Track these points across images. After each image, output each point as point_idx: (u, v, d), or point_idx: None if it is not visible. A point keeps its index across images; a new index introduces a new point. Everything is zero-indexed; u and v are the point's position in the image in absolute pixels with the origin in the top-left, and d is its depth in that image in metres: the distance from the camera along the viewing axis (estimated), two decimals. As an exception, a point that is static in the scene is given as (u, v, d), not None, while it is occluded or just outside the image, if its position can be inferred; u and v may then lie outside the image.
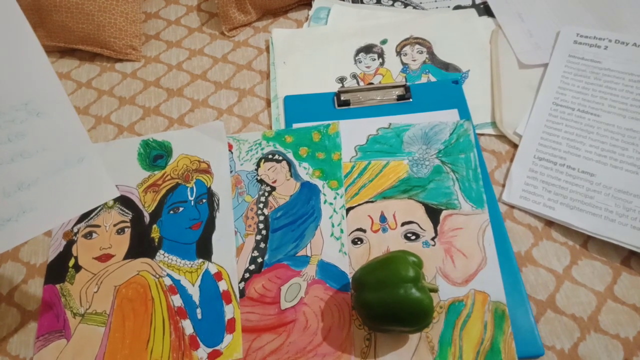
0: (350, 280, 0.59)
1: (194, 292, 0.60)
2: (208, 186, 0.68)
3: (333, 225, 0.64)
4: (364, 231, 0.63)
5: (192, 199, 0.67)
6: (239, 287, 0.60)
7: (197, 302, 0.59)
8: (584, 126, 0.70)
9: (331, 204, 0.66)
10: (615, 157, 0.66)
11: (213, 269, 0.62)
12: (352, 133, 0.72)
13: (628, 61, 0.74)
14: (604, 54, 0.76)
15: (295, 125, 0.74)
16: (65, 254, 0.64)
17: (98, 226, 0.66)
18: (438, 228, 0.63)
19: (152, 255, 0.63)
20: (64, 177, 0.52)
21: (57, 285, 0.62)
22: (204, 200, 0.67)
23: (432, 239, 0.62)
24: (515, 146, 0.71)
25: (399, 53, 0.83)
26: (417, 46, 0.83)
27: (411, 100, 0.75)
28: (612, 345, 0.55)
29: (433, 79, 0.79)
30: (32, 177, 0.51)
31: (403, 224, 0.63)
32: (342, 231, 0.63)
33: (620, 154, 0.66)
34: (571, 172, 0.66)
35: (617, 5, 0.83)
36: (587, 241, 0.62)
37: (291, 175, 0.69)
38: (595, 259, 0.61)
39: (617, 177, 0.64)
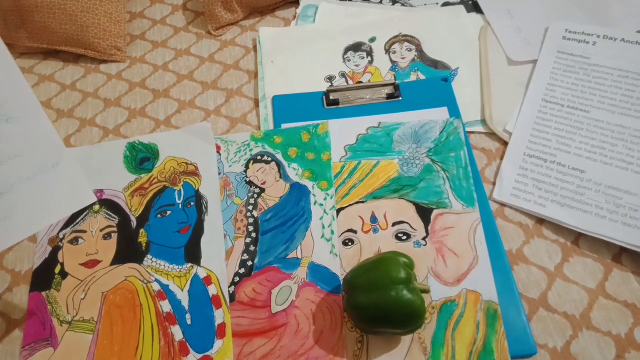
0: (342, 283, 0.59)
1: (183, 297, 0.59)
2: (196, 189, 0.67)
3: (324, 227, 0.63)
4: (355, 232, 0.63)
5: (180, 202, 0.66)
6: (229, 291, 0.59)
7: (187, 308, 0.58)
8: (574, 123, 0.70)
9: (321, 205, 0.65)
10: (606, 154, 0.66)
11: (202, 274, 0.61)
12: (341, 133, 0.71)
13: (617, 57, 0.74)
14: (593, 49, 0.76)
15: (284, 126, 0.73)
16: (51, 260, 0.63)
17: (84, 231, 0.65)
18: (429, 228, 0.62)
19: (140, 261, 0.62)
20: (39, 184, 0.51)
21: (43, 293, 0.61)
22: (192, 204, 0.66)
23: (424, 238, 0.61)
24: (506, 144, 0.70)
25: (387, 51, 0.82)
26: (406, 44, 0.83)
27: (401, 98, 0.75)
28: (604, 343, 0.55)
29: (422, 76, 0.78)
30: (5, 185, 0.49)
31: (394, 224, 0.63)
32: (332, 232, 0.63)
33: (611, 150, 0.66)
34: (562, 169, 0.66)
35: (605, 1, 0.83)
36: (578, 238, 0.62)
37: (281, 177, 0.68)
38: (586, 256, 0.61)
39: (608, 173, 0.64)
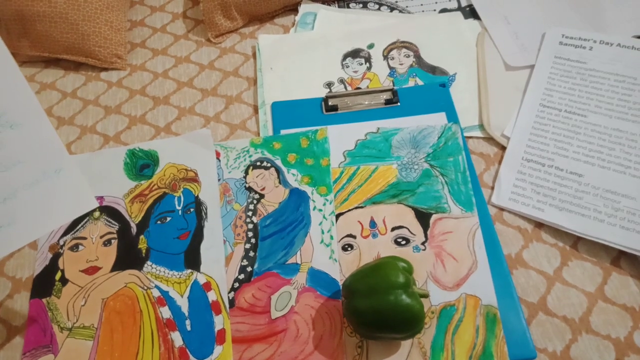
0: (341, 288, 0.59)
1: (183, 303, 0.59)
2: (196, 195, 0.68)
3: (323, 232, 0.63)
4: (354, 237, 0.63)
5: (180, 208, 0.66)
6: (228, 297, 0.60)
7: (186, 314, 0.59)
8: (571, 127, 0.70)
9: (320, 210, 0.65)
10: (603, 158, 0.66)
11: (202, 279, 0.61)
12: (340, 138, 0.72)
13: (613, 61, 0.75)
14: (589, 54, 0.77)
15: (283, 132, 0.74)
16: (52, 267, 0.63)
17: (84, 238, 0.65)
18: (428, 232, 0.62)
19: (139, 267, 0.62)
20: (41, 190, 0.51)
21: (44, 300, 0.61)
22: (192, 210, 0.66)
23: (423, 243, 0.62)
24: (504, 148, 0.71)
25: (386, 57, 0.83)
26: (404, 50, 0.83)
27: (399, 104, 0.75)
28: (603, 346, 0.55)
29: (420, 82, 0.79)
30: (8, 191, 0.50)
31: (393, 229, 0.63)
32: (332, 238, 0.63)
33: (608, 154, 0.66)
34: (559, 173, 0.66)
35: (600, 6, 0.84)
36: (577, 242, 0.62)
37: (280, 182, 0.68)
38: (585, 259, 0.61)
39: (605, 177, 0.65)
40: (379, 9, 0.91)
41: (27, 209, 0.51)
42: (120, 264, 0.63)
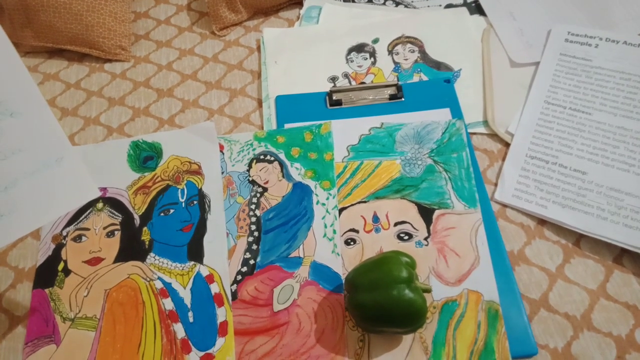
0: (344, 282, 0.59)
1: (186, 295, 0.59)
2: (199, 188, 0.68)
3: (326, 226, 0.63)
4: (357, 232, 0.63)
5: (183, 200, 0.67)
6: (231, 289, 0.60)
7: (189, 305, 0.59)
8: (576, 124, 0.70)
9: (324, 204, 0.65)
10: (607, 155, 0.66)
11: (205, 272, 0.61)
12: (344, 133, 0.72)
13: (619, 59, 0.74)
14: (595, 52, 0.76)
15: (287, 126, 0.73)
16: (55, 257, 0.63)
17: (87, 229, 0.65)
18: (431, 227, 0.62)
19: (142, 258, 0.62)
20: (42, 178, 0.51)
21: (46, 290, 0.61)
22: (195, 202, 0.66)
23: (425, 238, 0.62)
24: (507, 145, 0.71)
25: (390, 52, 0.83)
26: (408, 45, 0.83)
27: (403, 99, 0.75)
28: (605, 344, 0.55)
29: (425, 78, 0.79)
30: (9, 180, 0.50)
31: (396, 224, 0.63)
32: (334, 232, 0.63)
33: (612, 152, 0.66)
34: (563, 170, 0.66)
35: (607, 4, 0.83)
36: (579, 239, 0.62)
37: (283, 176, 0.68)
38: (587, 257, 0.61)
39: (609, 175, 0.65)
40: (384, 3, 0.90)
41: (28, 197, 0.51)
42: (123, 256, 0.63)
